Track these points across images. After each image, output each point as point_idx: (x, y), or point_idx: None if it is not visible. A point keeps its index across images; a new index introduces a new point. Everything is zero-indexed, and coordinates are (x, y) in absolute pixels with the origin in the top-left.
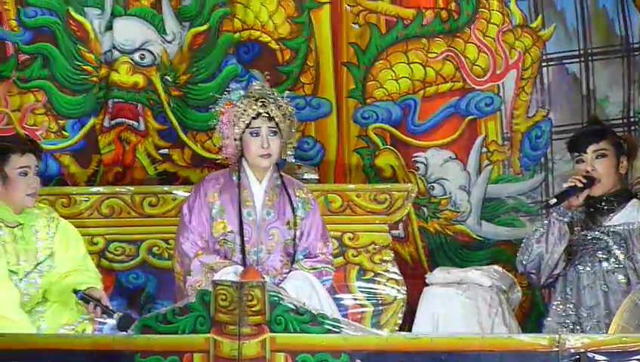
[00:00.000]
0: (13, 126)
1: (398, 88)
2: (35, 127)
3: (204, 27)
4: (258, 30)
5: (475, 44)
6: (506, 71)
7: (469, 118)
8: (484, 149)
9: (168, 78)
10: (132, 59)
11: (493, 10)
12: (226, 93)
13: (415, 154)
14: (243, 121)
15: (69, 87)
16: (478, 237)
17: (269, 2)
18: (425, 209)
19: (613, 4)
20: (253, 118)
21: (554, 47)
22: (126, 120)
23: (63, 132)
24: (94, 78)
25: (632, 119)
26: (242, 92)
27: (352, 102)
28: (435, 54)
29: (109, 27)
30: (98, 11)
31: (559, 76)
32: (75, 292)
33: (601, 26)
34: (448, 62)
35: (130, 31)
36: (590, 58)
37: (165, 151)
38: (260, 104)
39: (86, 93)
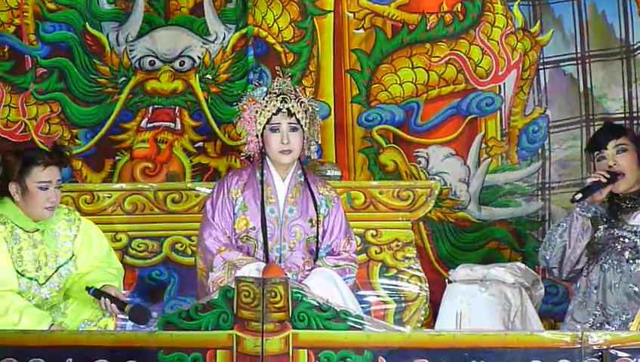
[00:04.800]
0: (29, 133)
1: (401, 92)
2: (49, 136)
3: (246, 30)
4: (265, 30)
5: (479, 47)
6: (508, 72)
7: (470, 117)
8: (484, 145)
9: (209, 76)
10: (172, 67)
11: (497, 13)
12: (251, 89)
13: (416, 150)
14: (264, 117)
15: (83, 98)
16: (477, 221)
17: (275, 6)
18: None
19: (614, 9)
20: (274, 114)
21: (551, 52)
22: (163, 123)
23: (76, 140)
24: (109, 89)
25: (635, 114)
26: (265, 88)
27: (356, 107)
28: (437, 58)
29: (143, 34)
30: (115, 24)
31: (556, 78)
32: (88, 289)
33: (599, 31)
34: (451, 65)
35: (171, 40)
36: (587, 61)
37: (200, 144)
38: (281, 100)
39: (99, 104)
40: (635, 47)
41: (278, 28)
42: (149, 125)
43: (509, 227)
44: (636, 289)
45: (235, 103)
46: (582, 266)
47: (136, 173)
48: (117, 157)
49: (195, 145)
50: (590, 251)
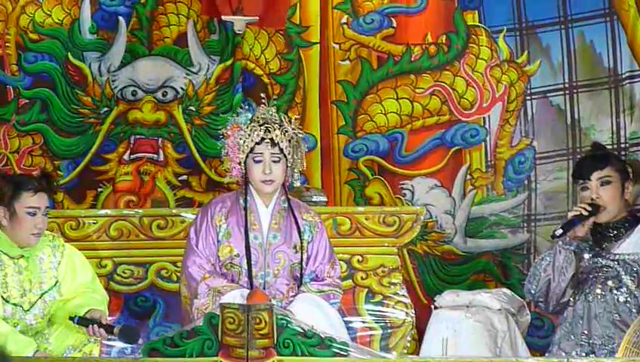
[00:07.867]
0: (11, 167)
1: (386, 122)
2: (31, 168)
3: (230, 61)
4: (253, 62)
5: (464, 78)
6: (492, 104)
7: (455, 148)
8: (469, 177)
9: (192, 108)
10: (155, 98)
11: (482, 45)
12: (235, 115)
13: (402, 182)
14: (247, 146)
15: (65, 129)
16: (463, 253)
17: (262, 38)
18: None
19: (602, 38)
20: (257, 144)
21: (538, 82)
22: (146, 154)
23: (58, 172)
24: (91, 120)
25: (622, 145)
26: (250, 115)
27: (342, 138)
28: (422, 90)
29: (126, 64)
30: (97, 54)
31: (543, 108)
32: (72, 319)
33: (587, 60)
34: (435, 96)
35: (153, 70)
36: (575, 91)
37: (184, 178)
38: (264, 130)
39: (81, 135)
40: (624, 76)
41: (265, 60)
42: (132, 156)
43: (494, 259)
44: (619, 318)
45: (219, 137)
46: (568, 298)
47: (120, 205)
48: (99, 189)
49: (179, 179)
50: (575, 281)
